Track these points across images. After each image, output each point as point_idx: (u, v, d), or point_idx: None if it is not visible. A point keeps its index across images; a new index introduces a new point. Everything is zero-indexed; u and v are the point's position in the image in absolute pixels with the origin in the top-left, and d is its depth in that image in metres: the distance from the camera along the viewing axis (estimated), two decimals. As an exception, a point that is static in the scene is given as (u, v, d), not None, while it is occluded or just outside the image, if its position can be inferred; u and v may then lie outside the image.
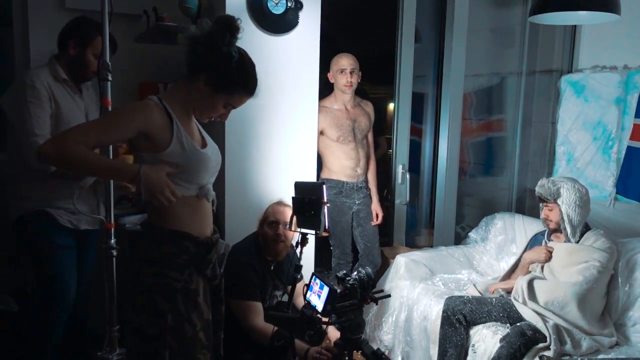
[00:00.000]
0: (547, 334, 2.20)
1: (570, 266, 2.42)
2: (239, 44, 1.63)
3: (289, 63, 2.71)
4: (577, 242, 2.47)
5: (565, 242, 2.52)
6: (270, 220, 2.39)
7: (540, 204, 2.59)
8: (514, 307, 2.42)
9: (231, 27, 1.56)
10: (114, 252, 1.98)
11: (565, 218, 2.45)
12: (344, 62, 3.04)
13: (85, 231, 2.32)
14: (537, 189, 2.54)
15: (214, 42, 1.55)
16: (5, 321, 2.82)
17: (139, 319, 1.59)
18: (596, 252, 2.40)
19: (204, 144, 1.70)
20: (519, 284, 2.44)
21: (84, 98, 2.34)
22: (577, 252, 2.44)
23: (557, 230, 2.54)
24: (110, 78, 1.94)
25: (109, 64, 1.94)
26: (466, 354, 2.40)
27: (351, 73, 3.03)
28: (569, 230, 2.46)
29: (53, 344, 2.28)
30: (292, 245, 2.41)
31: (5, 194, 2.25)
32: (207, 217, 1.70)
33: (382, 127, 3.94)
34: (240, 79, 1.61)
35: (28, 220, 2.19)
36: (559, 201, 2.46)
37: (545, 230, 2.66)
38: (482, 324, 2.42)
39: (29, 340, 2.27)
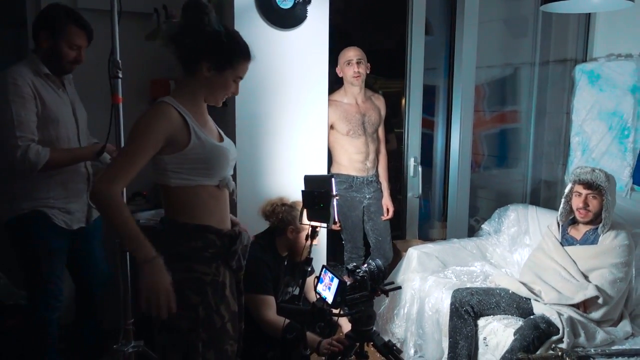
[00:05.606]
0: (560, 327, 2.19)
1: (594, 270, 2.38)
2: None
3: (298, 57, 2.72)
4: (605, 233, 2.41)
5: (588, 232, 2.47)
6: (303, 229, 2.35)
7: (572, 193, 2.49)
8: (523, 298, 2.40)
9: (199, 6, 1.57)
10: (128, 248, 2.00)
11: (610, 207, 2.38)
12: (350, 54, 3.05)
13: (76, 230, 2.23)
14: (585, 175, 2.42)
15: (198, 29, 1.57)
16: (20, 316, 2.83)
17: (170, 314, 1.60)
18: (617, 256, 2.37)
19: (220, 138, 1.74)
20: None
21: (68, 92, 2.23)
22: (600, 255, 2.39)
23: (590, 222, 2.46)
24: (120, 75, 1.97)
25: (119, 61, 1.97)
26: (477, 346, 2.40)
27: (358, 63, 3.02)
28: (608, 220, 2.39)
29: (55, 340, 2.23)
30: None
31: None
32: (226, 209, 1.72)
33: (394, 122, 3.92)
34: (237, 49, 1.63)
35: (22, 221, 2.09)
36: (606, 190, 2.38)
37: (555, 222, 2.61)
38: (491, 316, 2.41)
39: (32, 341, 2.20)
